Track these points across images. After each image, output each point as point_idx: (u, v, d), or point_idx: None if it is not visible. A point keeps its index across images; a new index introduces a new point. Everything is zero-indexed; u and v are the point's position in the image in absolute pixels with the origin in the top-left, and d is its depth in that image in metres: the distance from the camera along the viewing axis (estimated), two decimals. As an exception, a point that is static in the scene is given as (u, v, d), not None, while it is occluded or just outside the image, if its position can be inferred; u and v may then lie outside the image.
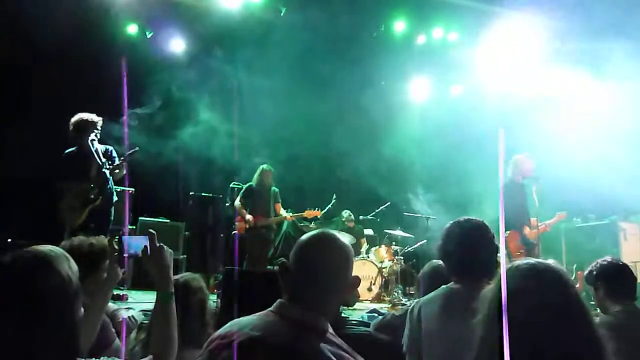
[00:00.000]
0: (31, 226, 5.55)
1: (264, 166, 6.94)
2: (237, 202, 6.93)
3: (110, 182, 5.21)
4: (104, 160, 5.14)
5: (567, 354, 1.22)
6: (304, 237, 1.57)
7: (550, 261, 1.40)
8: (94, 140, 5.13)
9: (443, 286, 2.27)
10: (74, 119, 5.16)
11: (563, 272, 1.36)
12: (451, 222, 2.38)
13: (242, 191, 7.00)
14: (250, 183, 6.95)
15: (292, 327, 1.40)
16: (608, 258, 2.89)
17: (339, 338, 1.46)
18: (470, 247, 2.20)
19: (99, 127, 5.27)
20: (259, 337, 1.37)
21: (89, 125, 5.13)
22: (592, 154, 7.29)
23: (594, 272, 2.83)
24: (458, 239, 2.27)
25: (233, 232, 6.93)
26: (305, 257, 1.51)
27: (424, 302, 2.25)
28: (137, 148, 5.34)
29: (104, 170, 5.08)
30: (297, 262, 1.51)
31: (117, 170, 5.21)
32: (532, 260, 1.38)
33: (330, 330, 1.46)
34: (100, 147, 5.22)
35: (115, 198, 5.42)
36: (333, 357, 1.35)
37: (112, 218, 5.33)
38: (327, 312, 1.48)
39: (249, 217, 6.72)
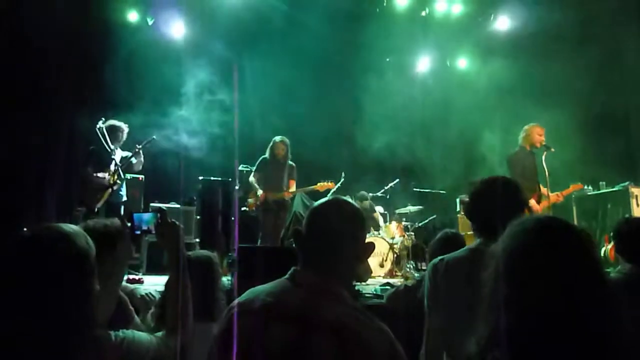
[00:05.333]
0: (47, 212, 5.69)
1: (277, 138, 6.69)
2: (251, 178, 6.74)
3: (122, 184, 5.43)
4: (119, 164, 5.44)
5: (572, 315, 1.14)
6: (316, 203, 1.58)
7: (558, 217, 1.36)
8: (115, 142, 5.53)
9: (468, 245, 2.22)
10: (105, 124, 5.54)
11: (571, 227, 1.28)
12: (477, 180, 2.30)
13: (256, 165, 6.79)
14: (264, 156, 6.76)
15: (306, 292, 1.41)
16: (631, 217, 2.91)
17: (354, 301, 1.47)
18: (493, 206, 2.08)
19: (124, 134, 5.70)
20: (273, 303, 1.40)
21: (114, 131, 5.57)
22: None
23: (613, 229, 2.87)
24: (481, 197, 2.19)
25: (243, 209, 6.77)
26: (317, 222, 1.52)
27: (448, 260, 2.17)
28: (153, 137, 5.57)
29: (118, 169, 5.32)
30: (309, 228, 1.51)
31: (134, 159, 5.56)
32: (538, 215, 1.33)
33: (346, 294, 1.46)
34: (122, 154, 5.62)
35: (124, 198, 5.70)
36: (348, 320, 1.35)
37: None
38: (341, 277, 1.47)
39: (259, 192, 6.56)
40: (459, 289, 2.05)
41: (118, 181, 5.36)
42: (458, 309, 2.01)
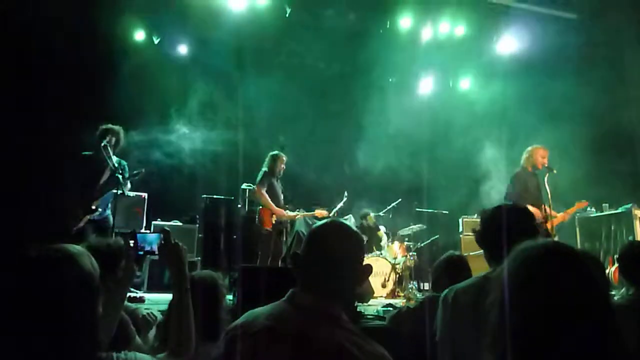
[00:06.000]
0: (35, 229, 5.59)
1: (278, 152, 6.53)
2: (262, 191, 6.33)
3: (121, 187, 5.24)
4: (117, 165, 5.26)
5: (582, 344, 1.12)
6: (314, 226, 1.59)
7: (564, 243, 1.34)
8: (110, 146, 5.26)
9: (480, 273, 2.19)
10: (100, 128, 5.39)
11: (576, 253, 1.25)
12: (488, 208, 2.29)
13: (262, 178, 6.41)
14: (265, 169, 6.47)
15: (305, 315, 1.42)
16: (636, 240, 2.91)
17: (353, 325, 1.46)
18: (502, 233, 2.07)
19: (121, 138, 5.49)
20: (272, 326, 1.40)
21: (110, 134, 5.35)
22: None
23: (619, 252, 2.87)
24: (491, 224, 2.18)
25: (267, 229, 6.35)
26: (315, 244, 1.53)
27: (459, 289, 2.15)
28: (142, 170, 5.46)
29: (117, 175, 5.16)
30: (307, 250, 1.52)
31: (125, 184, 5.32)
32: (544, 241, 1.30)
33: (345, 317, 1.46)
34: (115, 159, 5.35)
35: (107, 212, 5.41)
36: (346, 343, 1.35)
37: (112, 225, 5.32)
38: (339, 299, 1.48)
39: (281, 212, 6.37)
40: (468, 318, 2.02)
41: (100, 209, 5.21)
42: (467, 338, 1.99)
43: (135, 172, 5.41)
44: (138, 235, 1.94)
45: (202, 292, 2.23)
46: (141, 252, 1.93)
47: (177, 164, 7.48)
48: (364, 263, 1.57)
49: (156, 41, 7.97)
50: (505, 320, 1.21)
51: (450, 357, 2.07)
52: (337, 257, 1.49)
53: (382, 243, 7.98)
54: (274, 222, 6.36)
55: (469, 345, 1.96)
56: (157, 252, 1.89)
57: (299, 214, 6.71)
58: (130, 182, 5.42)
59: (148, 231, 6.41)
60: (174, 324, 1.80)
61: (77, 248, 1.46)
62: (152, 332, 2.60)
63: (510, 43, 8.78)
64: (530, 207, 5.44)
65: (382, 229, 8.65)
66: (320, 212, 6.85)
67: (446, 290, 2.18)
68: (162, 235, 1.88)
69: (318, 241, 1.53)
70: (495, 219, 2.19)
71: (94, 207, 5.16)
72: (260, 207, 6.44)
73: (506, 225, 2.11)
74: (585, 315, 1.16)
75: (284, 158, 6.59)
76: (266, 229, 6.34)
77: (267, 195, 6.34)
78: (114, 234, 5.00)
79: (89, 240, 2.36)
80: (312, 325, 1.38)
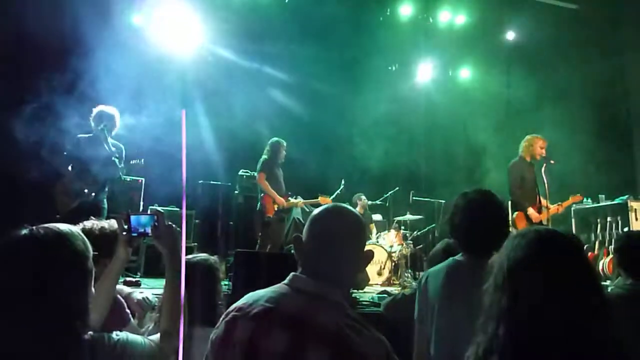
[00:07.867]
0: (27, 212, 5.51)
1: (278, 139, 6.55)
2: (263, 178, 6.39)
3: (118, 171, 5.18)
4: (114, 149, 5.20)
5: (571, 325, 1.17)
6: (316, 210, 1.57)
7: (558, 229, 1.37)
8: (106, 129, 5.19)
9: (450, 258, 2.26)
10: (94, 110, 5.29)
11: (571, 240, 1.30)
12: (459, 194, 2.33)
13: (263, 166, 6.45)
14: (266, 157, 6.50)
15: (305, 299, 1.41)
16: (632, 231, 2.89)
17: (353, 310, 1.46)
18: (474, 219, 2.14)
19: (116, 121, 5.38)
20: (272, 309, 1.39)
21: (105, 118, 5.25)
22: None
23: (615, 243, 2.86)
24: (463, 210, 2.21)
25: (267, 216, 6.40)
26: (317, 229, 1.51)
27: (431, 273, 2.24)
28: (141, 161, 5.38)
29: (114, 158, 5.11)
30: (309, 234, 1.51)
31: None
32: (538, 227, 1.35)
33: (346, 303, 1.45)
34: (112, 142, 5.29)
35: (105, 204, 5.30)
36: (346, 329, 1.34)
37: (106, 208, 5.23)
38: (340, 284, 1.47)
39: (281, 199, 6.41)
40: (436, 297, 2.12)
41: (92, 193, 5.11)
42: (442, 318, 2.09)
43: (133, 162, 5.34)
44: (132, 216, 1.91)
45: (198, 275, 2.23)
46: (135, 234, 1.91)
47: (174, 149, 7.43)
48: (365, 249, 1.56)
49: (154, 25, 7.87)
50: (500, 302, 1.24)
51: (426, 338, 2.14)
52: (339, 242, 1.48)
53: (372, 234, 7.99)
54: (275, 209, 6.43)
55: (444, 323, 2.05)
56: (150, 234, 1.87)
57: (300, 201, 6.73)
58: (129, 173, 5.34)
59: (141, 213, 6.35)
60: (166, 307, 1.79)
61: (69, 228, 1.45)
62: (149, 316, 2.60)
63: (510, 32, 8.74)
64: (530, 210, 5.55)
65: (378, 217, 8.65)
66: (323, 198, 6.86)
67: (422, 275, 2.28)
68: (155, 217, 1.86)
69: (320, 225, 1.52)
70: (458, 207, 2.25)
71: (86, 191, 5.09)
72: (262, 194, 6.46)
73: (468, 212, 2.18)
74: (577, 297, 1.19)
75: (285, 145, 6.58)
76: (268, 216, 6.41)
77: (267, 183, 6.37)
78: (107, 217, 4.93)
79: (84, 224, 2.34)
80: (312, 309, 1.38)
